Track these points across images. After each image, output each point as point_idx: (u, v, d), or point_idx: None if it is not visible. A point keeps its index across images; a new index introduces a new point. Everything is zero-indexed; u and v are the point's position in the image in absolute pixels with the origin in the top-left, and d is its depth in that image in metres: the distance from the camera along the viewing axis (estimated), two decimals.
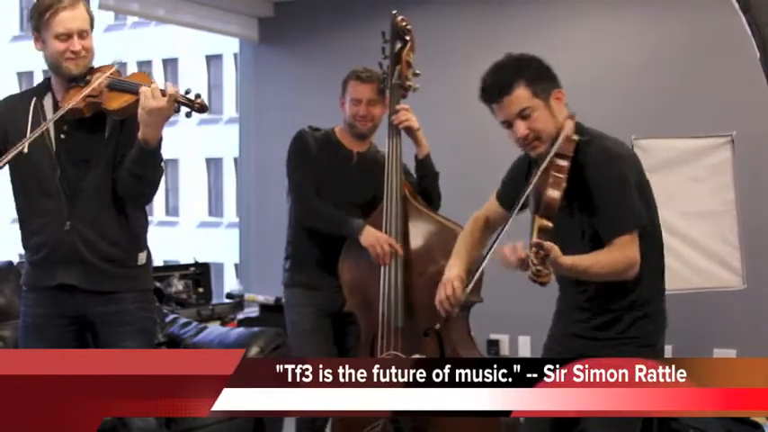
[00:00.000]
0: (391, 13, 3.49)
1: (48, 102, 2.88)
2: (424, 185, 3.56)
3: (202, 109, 2.71)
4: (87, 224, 2.84)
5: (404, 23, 3.48)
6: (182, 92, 2.71)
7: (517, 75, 2.54)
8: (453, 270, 2.76)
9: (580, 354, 2.49)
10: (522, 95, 2.52)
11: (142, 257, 2.95)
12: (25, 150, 2.70)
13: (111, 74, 2.80)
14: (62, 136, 2.83)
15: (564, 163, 2.46)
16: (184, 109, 2.73)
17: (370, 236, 3.39)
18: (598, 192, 2.51)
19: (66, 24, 2.74)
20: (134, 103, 2.71)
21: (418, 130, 3.48)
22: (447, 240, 3.36)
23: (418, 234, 3.42)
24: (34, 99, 2.87)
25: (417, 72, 3.51)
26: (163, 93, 2.67)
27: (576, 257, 2.44)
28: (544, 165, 2.47)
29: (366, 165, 3.58)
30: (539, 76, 2.56)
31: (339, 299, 3.53)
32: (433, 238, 3.41)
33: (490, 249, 2.57)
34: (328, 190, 3.53)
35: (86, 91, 2.74)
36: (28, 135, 2.74)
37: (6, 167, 2.76)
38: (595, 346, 2.59)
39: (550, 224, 2.38)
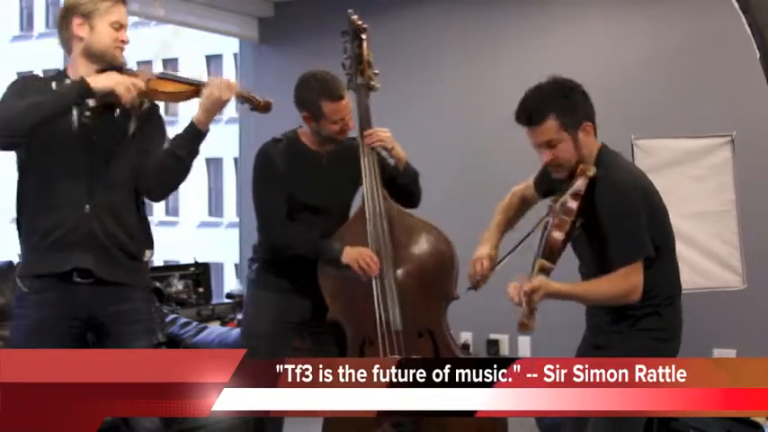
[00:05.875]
0: (347, 13, 3.42)
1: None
2: (409, 190, 3.46)
3: (267, 108, 3.15)
4: (107, 210, 2.83)
5: (360, 22, 3.40)
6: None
7: (549, 106, 2.65)
8: (485, 248, 2.90)
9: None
10: (550, 128, 2.65)
11: (148, 254, 2.96)
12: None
13: None
14: (84, 120, 2.82)
15: (573, 205, 2.57)
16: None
17: (352, 252, 3.30)
18: (607, 223, 2.63)
19: (122, 17, 2.91)
20: (185, 93, 2.93)
21: (392, 150, 3.38)
22: (431, 240, 3.38)
23: (406, 239, 3.38)
24: (54, 83, 2.87)
25: (376, 71, 3.44)
26: (230, 87, 2.94)
27: (571, 285, 2.61)
28: (557, 205, 2.62)
29: (336, 163, 3.46)
30: (571, 108, 2.67)
31: (308, 306, 3.43)
32: (420, 240, 3.39)
33: (515, 248, 2.76)
34: (303, 196, 3.43)
35: (141, 77, 2.86)
36: None
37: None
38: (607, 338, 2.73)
39: (551, 265, 2.52)
